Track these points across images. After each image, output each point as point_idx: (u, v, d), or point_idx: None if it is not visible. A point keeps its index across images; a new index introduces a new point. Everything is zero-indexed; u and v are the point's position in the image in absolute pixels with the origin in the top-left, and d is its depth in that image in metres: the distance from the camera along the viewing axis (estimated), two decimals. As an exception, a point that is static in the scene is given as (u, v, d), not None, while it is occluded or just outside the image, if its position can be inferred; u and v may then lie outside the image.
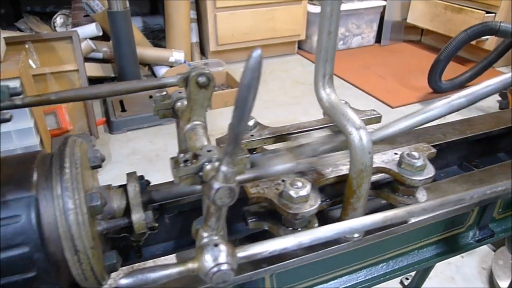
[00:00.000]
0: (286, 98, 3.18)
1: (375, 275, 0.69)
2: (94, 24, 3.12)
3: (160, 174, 2.23)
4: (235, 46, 3.65)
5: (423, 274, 1.23)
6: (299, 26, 3.79)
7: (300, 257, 0.55)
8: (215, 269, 0.36)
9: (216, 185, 0.39)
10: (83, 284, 0.47)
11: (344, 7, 3.81)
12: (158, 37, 3.98)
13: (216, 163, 0.43)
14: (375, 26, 4.10)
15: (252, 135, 0.65)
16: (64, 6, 3.44)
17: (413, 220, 0.63)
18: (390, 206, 0.62)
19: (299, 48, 4.04)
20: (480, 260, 1.73)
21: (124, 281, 0.34)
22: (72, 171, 0.45)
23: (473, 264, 1.71)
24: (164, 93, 0.58)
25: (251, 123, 0.67)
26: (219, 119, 2.70)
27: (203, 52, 3.77)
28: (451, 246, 0.74)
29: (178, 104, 0.58)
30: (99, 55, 3.15)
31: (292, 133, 0.68)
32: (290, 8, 3.66)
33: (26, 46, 2.52)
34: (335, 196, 0.60)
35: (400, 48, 4.14)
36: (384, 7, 3.97)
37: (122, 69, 3.01)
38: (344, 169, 0.58)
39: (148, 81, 0.52)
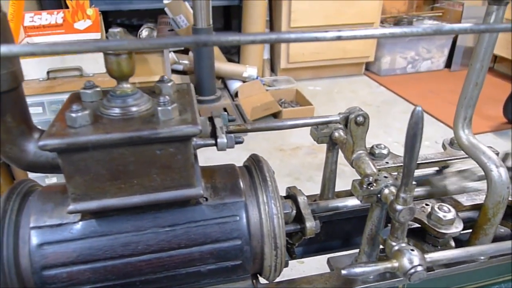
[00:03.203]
0: (354, 118, 3.25)
1: (488, 296, 0.77)
2: (178, 38, 3.37)
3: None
4: (305, 65, 3.79)
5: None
6: (369, 48, 3.86)
7: (435, 271, 0.65)
8: (412, 270, 0.46)
9: (399, 207, 0.50)
10: (269, 274, 0.59)
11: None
12: (230, 52, 4.19)
13: (392, 188, 0.54)
14: (446, 51, 4.09)
15: (387, 162, 0.76)
16: (147, 19, 3.73)
17: (531, 249, 0.71)
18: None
19: (366, 69, 4.10)
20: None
21: (344, 272, 0.46)
22: (273, 183, 0.58)
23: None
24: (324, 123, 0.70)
25: (385, 151, 0.78)
26: (290, 136, 2.82)
27: (272, 69, 3.93)
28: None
29: (336, 134, 0.69)
30: (180, 67, 3.39)
31: (421, 163, 0.78)
32: (361, 30, 3.74)
33: (120, 56, 2.78)
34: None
35: (470, 74, 4.07)
36: (456, 32, 3.95)
37: (200, 82, 3.23)
38: (477, 199, 0.67)
39: (317, 118, 0.64)
